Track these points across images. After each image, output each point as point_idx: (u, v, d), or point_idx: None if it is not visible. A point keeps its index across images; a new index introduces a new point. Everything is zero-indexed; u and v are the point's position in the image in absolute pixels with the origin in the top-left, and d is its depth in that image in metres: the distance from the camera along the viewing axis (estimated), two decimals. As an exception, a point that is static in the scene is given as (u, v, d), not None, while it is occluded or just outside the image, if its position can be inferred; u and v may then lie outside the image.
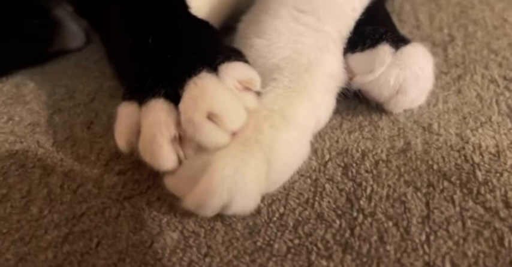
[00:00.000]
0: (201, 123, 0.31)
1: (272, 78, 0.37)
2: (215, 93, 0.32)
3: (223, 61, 0.35)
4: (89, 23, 0.52)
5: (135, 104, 0.35)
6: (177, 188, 0.33)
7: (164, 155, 0.32)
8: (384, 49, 0.39)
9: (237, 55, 0.37)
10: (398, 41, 0.40)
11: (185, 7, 0.41)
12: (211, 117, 0.32)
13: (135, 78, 0.38)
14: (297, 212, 0.35)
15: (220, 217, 0.34)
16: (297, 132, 0.35)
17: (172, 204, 0.35)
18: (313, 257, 0.32)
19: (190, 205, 0.32)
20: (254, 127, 0.33)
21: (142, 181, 0.38)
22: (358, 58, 0.40)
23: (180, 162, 0.32)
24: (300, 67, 0.37)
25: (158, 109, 0.33)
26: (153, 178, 0.37)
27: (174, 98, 0.33)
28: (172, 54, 0.36)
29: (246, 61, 0.37)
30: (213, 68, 0.34)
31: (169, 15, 0.40)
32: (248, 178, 0.31)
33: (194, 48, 0.37)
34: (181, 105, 0.32)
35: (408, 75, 0.38)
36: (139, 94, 0.35)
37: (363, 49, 0.40)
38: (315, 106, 0.37)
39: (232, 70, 0.35)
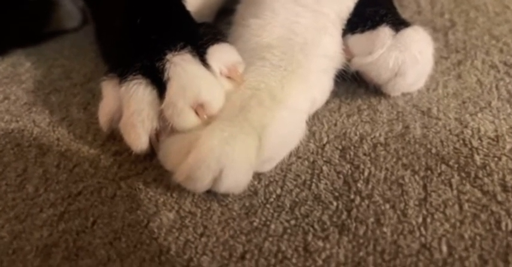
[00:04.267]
0: (184, 110, 0.33)
1: (260, 57, 0.37)
2: (204, 83, 0.34)
3: (212, 44, 0.36)
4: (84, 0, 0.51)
5: (115, 80, 0.36)
6: (169, 162, 0.34)
7: (141, 142, 0.35)
8: (385, 31, 0.38)
9: (223, 37, 0.38)
10: (399, 24, 0.40)
11: None
12: (194, 104, 0.34)
13: (118, 55, 0.38)
14: (294, 193, 0.34)
15: (216, 197, 0.34)
16: (289, 110, 0.35)
17: (168, 185, 0.35)
18: (309, 238, 0.31)
19: (180, 176, 0.32)
20: (240, 106, 0.34)
21: (139, 162, 0.37)
22: (358, 40, 0.39)
23: (151, 146, 0.35)
24: (294, 46, 0.37)
25: (140, 97, 0.34)
26: (149, 159, 0.37)
27: (152, 72, 0.35)
28: (157, 34, 0.37)
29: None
30: (201, 50, 0.36)
31: (163, 2, 0.40)
32: (237, 151, 0.31)
33: (179, 29, 0.38)
34: (168, 91, 0.34)
35: (407, 57, 0.38)
36: (119, 68, 0.36)
37: (362, 31, 0.39)
38: (310, 87, 0.37)
39: (220, 54, 0.36)
